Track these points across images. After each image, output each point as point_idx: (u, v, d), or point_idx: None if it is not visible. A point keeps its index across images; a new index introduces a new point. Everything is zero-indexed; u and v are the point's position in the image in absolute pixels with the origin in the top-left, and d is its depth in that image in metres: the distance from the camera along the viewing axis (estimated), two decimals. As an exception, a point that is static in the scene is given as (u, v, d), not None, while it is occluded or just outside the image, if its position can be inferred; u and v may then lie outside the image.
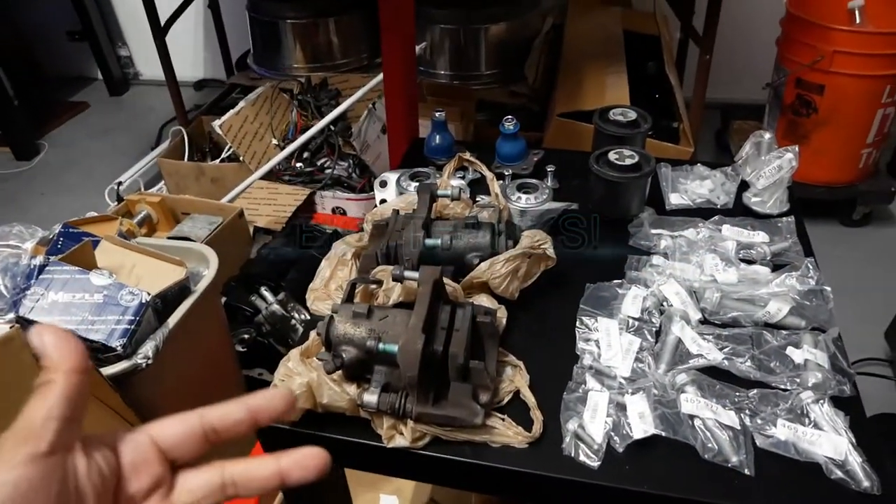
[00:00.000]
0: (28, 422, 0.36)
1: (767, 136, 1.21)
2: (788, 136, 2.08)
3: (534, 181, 1.17)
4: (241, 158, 2.33)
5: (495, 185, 1.10)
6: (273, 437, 0.89)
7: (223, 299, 1.75)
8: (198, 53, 3.74)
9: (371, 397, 0.81)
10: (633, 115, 1.25)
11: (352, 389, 0.85)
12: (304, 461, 0.43)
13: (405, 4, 1.54)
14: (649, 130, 1.24)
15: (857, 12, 2.03)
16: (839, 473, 0.78)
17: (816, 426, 0.82)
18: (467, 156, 1.14)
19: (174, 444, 0.43)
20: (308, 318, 1.74)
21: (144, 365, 1.17)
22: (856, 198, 2.17)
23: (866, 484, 0.77)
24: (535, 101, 2.42)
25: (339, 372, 0.84)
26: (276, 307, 1.67)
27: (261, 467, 0.43)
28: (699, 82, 2.07)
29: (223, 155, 2.45)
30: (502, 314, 0.96)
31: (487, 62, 2.49)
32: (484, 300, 0.97)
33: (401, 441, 0.82)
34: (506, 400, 0.88)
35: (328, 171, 2.30)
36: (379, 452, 0.84)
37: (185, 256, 1.36)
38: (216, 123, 2.29)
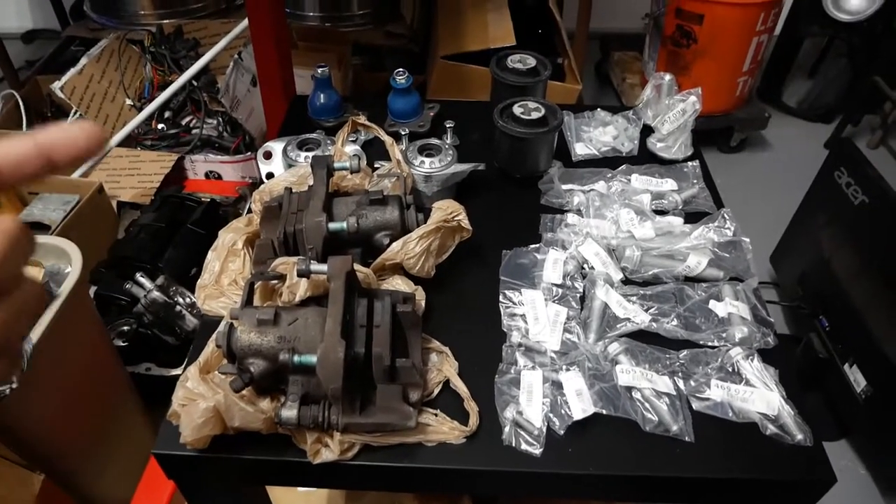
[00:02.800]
0: None
1: (668, 77, 1.18)
2: (669, 66, 2.10)
3: (436, 142, 1.07)
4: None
5: (396, 151, 1.00)
6: (176, 464, 0.77)
7: (92, 289, 1.55)
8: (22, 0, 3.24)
9: (290, 413, 0.71)
10: (532, 61, 1.17)
11: (265, 405, 0.75)
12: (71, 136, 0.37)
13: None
14: (550, 75, 1.18)
15: (727, -61, 2.04)
16: (773, 428, 0.79)
17: (748, 383, 0.82)
18: (361, 119, 1.03)
19: (7, 165, 0.36)
20: (191, 301, 1.59)
21: (8, 391, 0.99)
22: (733, 125, 2.25)
23: (800, 437, 0.78)
24: (415, 41, 2.29)
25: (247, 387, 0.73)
26: (156, 294, 1.49)
27: (62, 130, 0.38)
28: (582, 16, 2.03)
29: (69, 120, 2.14)
30: (420, 296, 0.88)
31: (359, 1, 2.31)
32: (399, 283, 0.88)
33: (328, 455, 0.73)
34: (435, 392, 0.81)
35: (196, 131, 2.07)
36: (304, 468, 0.75)
37: (40, 254, 1.16)
38: (56, 86, 1.98)
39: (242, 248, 0.93)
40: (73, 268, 1.16)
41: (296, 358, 0.69)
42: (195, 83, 2.05)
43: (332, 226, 0.84)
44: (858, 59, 2.33)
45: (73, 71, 2.05)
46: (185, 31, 2.25)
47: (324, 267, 0.77)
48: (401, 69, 1.17)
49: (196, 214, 1.72)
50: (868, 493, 1.46)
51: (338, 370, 0.67)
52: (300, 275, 0.77)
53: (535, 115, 1.04)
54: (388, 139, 1.00)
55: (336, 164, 0.93)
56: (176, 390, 0.74)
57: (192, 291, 1.53)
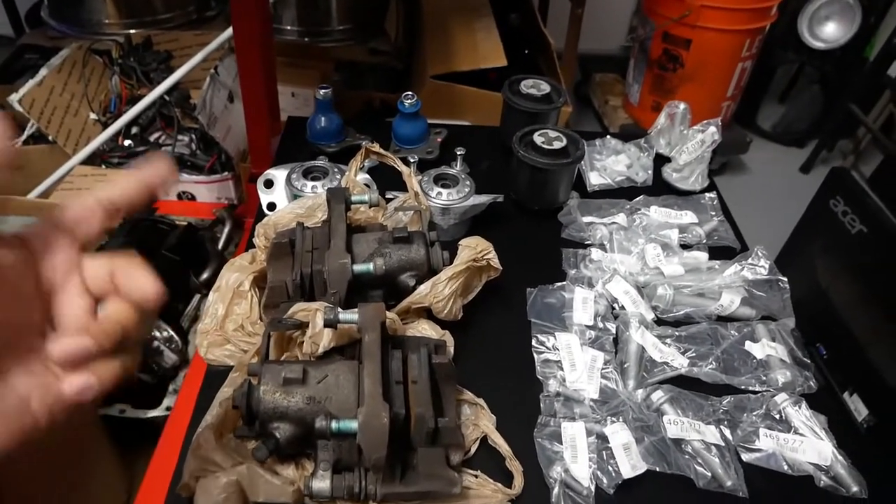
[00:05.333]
0: None
1: (682, 106, 1.15)
2: (655, 90, 2.10)
3: (452, 172, 1.01)
4: (51, 139, 1.91)
5: (414, 182, 0.94)
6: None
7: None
8: (-30, 3, 3.04)
9: (322, 484, 0.63)
10: (546, 87, 1.13)
11: (290, 473, 0.67)
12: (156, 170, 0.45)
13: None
14: (564, 103, 1.13)
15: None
16: (826, 480, 0.75)
17: (796, 431, 0.78)
18: (376, 147, 0.96)
19: (75, 222, 0.43)
20: (169, 335, 1.47)
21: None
22: (715, 149, 2.25)
23: (855, 489, 0.75)
24: (398, 58, 2.22)
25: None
26: (130, 328, 1.37)
27: (121, 182, 0.45)
28: (571, 37, 2.00)
29: (24, 135, 2.00)
30: (450, 342, 0.81)
31: (340, 16, 2.23)
32: (426, 328, 0.81)
33: (361, 529, 0.66)
34: (473, 450, 0.74)
35: (166, 148, 1.96)
36: (332, 541, 0.67)
37: None
38: (14, 98, 1.84)
39: (250, 290, 0.84)
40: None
41: (334, 424, 0.61)
42: (167, 98, 1.93)
43: (357, 268, 0.77)
44: (831, 87, 2.38)
45: (32, 82, 1.91)
46: (155, 42, 2.13)
47: (354, 316, 0.70)
48: (409, 93, 1.11)
49: (171, 239, 1.61)
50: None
51: (383, 438, 0.60)
52: (327, 325, 0.70)
53: (556, 145, 0.99)
54: (405, 169, 0.93)
55: (354, 198, 0.86)
56: (188, 460, 0.65)
57: (170, 324, 1.42)
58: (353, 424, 0.61)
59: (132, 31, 2.19)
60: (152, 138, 2.02)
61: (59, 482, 1.21)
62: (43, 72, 1.99)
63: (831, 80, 2.36)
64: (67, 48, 2.10)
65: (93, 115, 2.03)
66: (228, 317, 0.83)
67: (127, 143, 2.00)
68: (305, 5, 2.24)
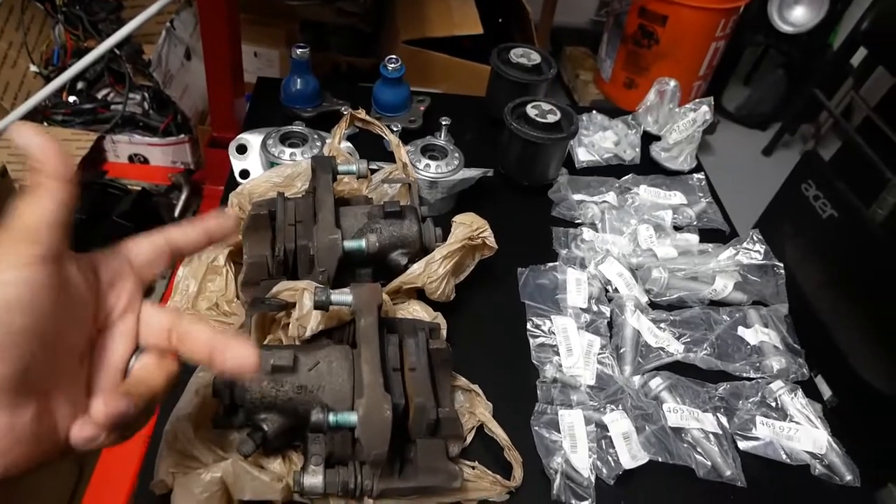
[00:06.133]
0: (27, 224, 0.36)
1: (672, 83, 1.12)
2: (628, 66, 2.07)
3: (440, 143, 0.96)
4: (-15, 91, 1.75)
5: (403, 153, 0.88)
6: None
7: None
8: None
9: (314, 480, 0.58)
10: (536, 57, 1.08)
11: (277, 467, 0.62)
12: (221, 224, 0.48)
13: None
14: (556, 74, 1.08)
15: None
16: (821, 468, 0.75)
17: (792, 419, 0.77)
18: (361, 114, 0.89)
19: (145, 263, 0.44)
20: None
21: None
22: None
23: (849, 477, 0.74)
24: (366, 21, 2.13)
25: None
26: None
27: (190, 230, 0.46)
28: (546, 8, 1.95)
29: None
30: (443, 325, 0.77)
31: (307, -28, 2.11)
32: (418, 309, 0.76)
33: (356, 526, 0.61)
34: (469, 439, 0.70)
35: (116, 107, 1.83)
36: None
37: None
38: (-57, 44, 1.68)
39: (225, 265, 0.77)
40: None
41: (332, 417, 0.56)
42: (118, 52, 1.79)
43: (349, 244, 0.71)
44: (795, 71, 2.40)
45: (-37, 29, 1.75)
46: (102, -10, 1.97)
47: (348, 297, 0.64)
48: (392, 56, 1.04)
49: (124, 205, 1.51)
50: None
51: (385, 433, 0.55)
52: (318, 307, 0.64)
53: (550, 119, 0.95)
54: (393, 139, 0.87)
55: (341, 168, 0.80)
56: (161, 453, 0.59)
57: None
58: (352, 417, 0.56)
59: (78, -22, 2.02)
60: (100, 95, 1.89)
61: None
62: (-24, 17, 1.82)
63: (796, 64, 2.39)
64: (3, -9, 1.93)
65: (33, 67, 1.87)
66: (201, 294, 0.76)
67: (72, 99, 1.86)
68: (268, -41, 2.11)
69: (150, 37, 1.83)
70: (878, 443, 1.37)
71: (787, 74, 2.44)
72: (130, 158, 1.80)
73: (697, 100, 1.06)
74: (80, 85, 1.88)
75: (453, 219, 0.80)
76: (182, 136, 1.78)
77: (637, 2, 1.95)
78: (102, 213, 1.49)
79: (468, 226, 0.78)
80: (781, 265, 0.90)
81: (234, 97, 1.42)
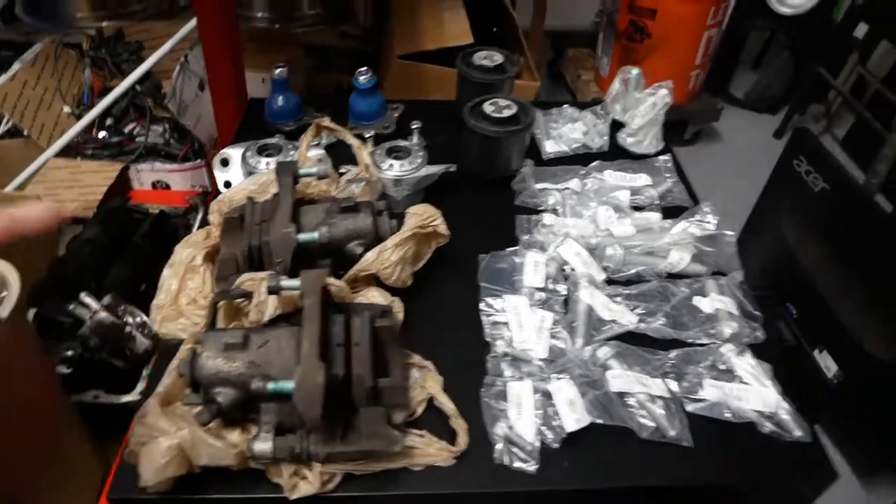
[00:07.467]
0: None
1: (635, 71, 1.16)
2: (623, 62, 2.09)
3: (404, 143, 1.02)
4: (25, 133, 1.91)
5: (364, 154, 0.95)
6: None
7: (31, 311, 1.43)
8: (-59, 3, 3.02)
9: (264, 445, 0.65)
10: (499, 58, 1.13)
11: (235, 437, 0.69)
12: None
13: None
14: (518, 72, 1.14)
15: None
16: (770, 426, 0.77)
17: (741, 380, 0.80)
18: (326, 122, 0.97)
19: None
20: (142, 320, 1.49)
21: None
22: (687, 118, 2.26)
23: (798, 433, 0.76)
24: (367, 41, 2.22)
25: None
26: (103, 314, 1.38)
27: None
28: (537, 13, 2.00)
29: (-1, 130, 2.00)
30: (398, 308, 0.83)
31: (310, 1, 2.23)
32: (375, 295, 0.83)
33: (307, 489, 0.67)
34: (419, 411, 0.76)
35: (140, 139, 1.96)
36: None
37: (-29, 277, 1.06)
38: (-16, 94, 1.85)
39: (202, 265, 0.86)
40: (11, 291, 1.07)
41: (270, 385, 0.63)
42: (139, 88, 1.94)
43: (302, 237, 0.78)
44: (800, 52, 2.38)
45: (4, 77, 1.91)
46: (126, 33, 2.13)
47: (296, 282, 0.71)
48: (363, 68, 1.12)
49: (143, 227, 1.62)
50: (845, 477, 1.47)
51: (318, 397, 0.61)
52: (270, 292, 0.71)
53: (506, 113, 1.00)
54: (355, 142, 0.94)
55: (302, 171, 0.87)
56: (134, 428, 0.67)
57: (142, 309, 1.44)
58: (289, 385, 0.62)
59: (104, 24, 2.18)
60: (126, 129, 2.03)
61: (32, 472, 1.22)
62: (16, 66, 2.00)
63: (801, 45, 2.37)
64: (40, 42, 2.11)
65: (66, 108, 2.03)
66: (182, 291, 0.85)
67: (101, 134, 2.01)
68: (275, -10, 2.23)
69: (171, 73, 1.97)
70: (883, 413, 1.35)
71: (794, 56, 2.41)
72: (154, 185, 1.93)
73: (657, 84, 1.10)
74: (108, 121, 2.03)
75: (407, 209, 0.86)
76: (198, 161, 1.90)
77: (627, -1, 1.99)
78: (125, 236, 1.60)
79: (420, 215, 0.84)
80: (732, 233, 0.92)
81: (238, 121, 1.52)
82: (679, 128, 2.34)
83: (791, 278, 1.58)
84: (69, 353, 1.40)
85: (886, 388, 1.32)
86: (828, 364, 1.47)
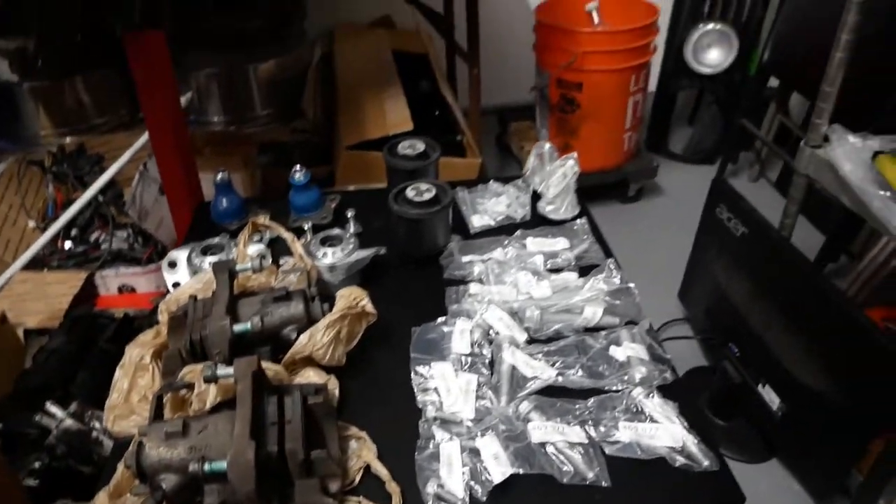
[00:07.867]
0: None
1: (547, 146, 1.27)
2: (560, 132, 2.25)
3: (336, 232, 1.11)
4: (-9, 251, 1.99)
5: (297, 246, 1.03)
6: None
7: (-3, 427, 1.47)
8: (-89, 133, 3.15)
9: (207, 525, 0.70)
10: (421, 145, 1.25)
11: (182, 521, 0.74)
12: None
13: (159, 58, 1.40)
14: (439, 156, 1.25)
15: (594, 14, 2.24)
16: (682, 459, 0.83)
17: (653, 420, 0.87)
18: (261, 219, 1.06)
19: None
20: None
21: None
22: (627, 178, 2.40)
23: (706, 463, 0.82)
24: (318, 133, 2.36)
25: (162, 505, 0.72)
26: (69, 422, 1.43)
27: None
28: (473, 95, 2.15)
29: (-34, 249, 2.07)
30: (333, 385, 0.90)
31: (262, 102, 2.37)
32: (311, 375, 0.90)
33: (251, 563, 0.72)
34: (357, 479, 0.82)
35: (104, 245, 2.05)
36: (229, 579, 0.74)
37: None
38: (-50, 218, 1.93)
39: (151, 362, 0.92)
40: (-25, 407, 1.12)
41: (206, 466, 0.69)
42: (101, 198, 2.03)
43: (237, 327, 0.86)
44: (725, 106, 2.56)
45: (-31, 200, 2.00)
46: (87, 146, 2.24)
47: (230, 370, 0.78)
48: (297, 166, 1.22)
49: (108, 332, 1.68)
50: (803, 502, 1.52)
51: (249, 472, 0.67)
52: (207, 381, 0.78)
53: (427, 196, 1.10)
54: (287, 235, 1.03)
55: (238, 267, 0.95)
56: (85, 521, 0.72)
57: (111, 412, 1.48)
58: (222, 465, 0.68)
59: (67, 140, 2.30)
60: (91, 238, 2.11)
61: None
62: (-21, 189, 2.09)
63: (725, 100, 2.55)
64: (3, 162, 2.21)
65: (31, 223, 2.12)
66: (133, 389, 0.91)
67: (67, 244, 2.09)
68: (228, 96, 2.37)
69: (130, 180, 2.07)
70: (825, 441, 1.42)
71: (721, 110, 2.59)
72: (120, 289, 1.99)
73: (564, 156, 1.21)
74: (73, 231, 2.12)
75: (337, 293, 0.94)
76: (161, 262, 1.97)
77: (554, 75, 2.15)
78: (91, 342, 1.66)
79: (347, 297, 0.93)
80: (633, 285, 1.01)
81: (193, 222, 1.61)
82: (622, 187, 2.47)
83: (729, 319, 1.67)
84: (36, 464, 1.43)
85: (824, 417, 1.39)
86: (771, 398, 1.54)
